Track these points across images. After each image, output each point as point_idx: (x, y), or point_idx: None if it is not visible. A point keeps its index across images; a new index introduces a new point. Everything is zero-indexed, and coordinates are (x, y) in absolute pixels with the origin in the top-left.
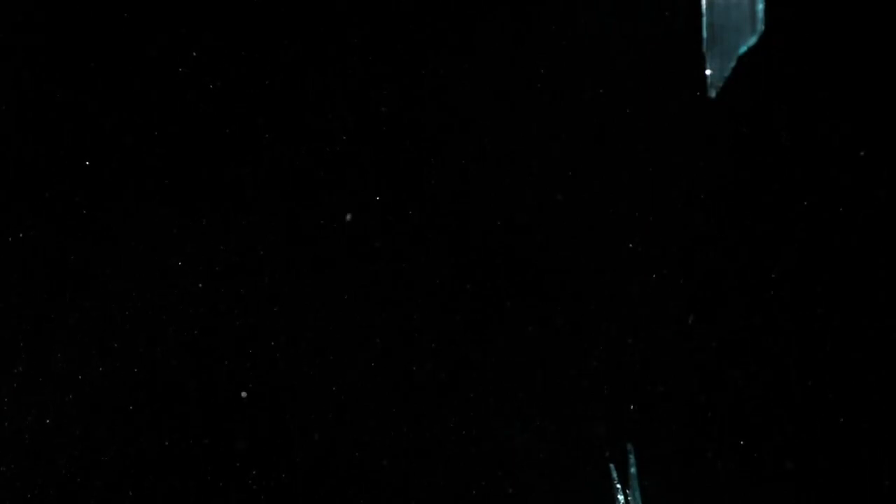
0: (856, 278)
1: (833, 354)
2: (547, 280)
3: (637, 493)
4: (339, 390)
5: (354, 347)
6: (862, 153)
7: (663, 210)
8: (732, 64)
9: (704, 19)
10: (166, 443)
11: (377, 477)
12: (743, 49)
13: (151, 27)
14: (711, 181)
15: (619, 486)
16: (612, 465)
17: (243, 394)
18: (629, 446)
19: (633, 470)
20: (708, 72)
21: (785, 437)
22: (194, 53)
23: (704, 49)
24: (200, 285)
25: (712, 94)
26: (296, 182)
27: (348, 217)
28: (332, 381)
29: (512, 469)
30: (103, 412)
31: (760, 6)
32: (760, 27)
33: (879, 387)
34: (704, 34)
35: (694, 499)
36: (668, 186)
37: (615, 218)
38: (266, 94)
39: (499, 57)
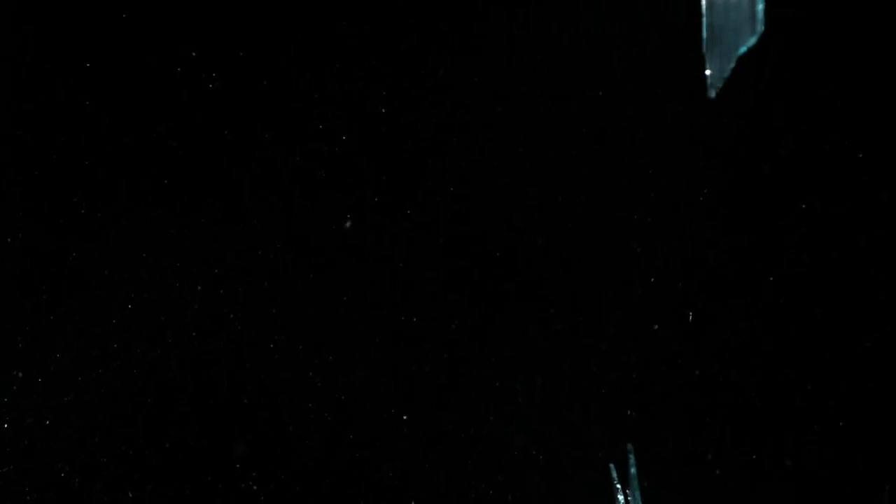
0: (856, 279)
1: (833, 355)
2: (547, 281)
3: (637, 493)
4: (339, 390)
5: (354, 348)
6: (862, 154)
7: (663, 210)
8: (732, 64)
9: (704, 19)
10: (166, 443)
11: (377, 477)
12: (743, 49)
13: (149, 27)
14: (711, 181)
15: (619, 486)
16: (612, 465)
17: (244, 400)
18: (629, 446)
19: (633, 470)
20: (708, 72)
21: (785, 437)
22: (193, 53)
23: (704, 49)
24: (199, 286)
25: (712, 94)
26: (295, 182)
27: (347, 223)
28: (331, 382)
29: (512, 469)
30: (102, 413)
31: (760, 6)
32: (760, 27)
33: (879, 387)
34: (704, 34)
35: (694, 499)
36: (668, 187)
37: (615, 218)
38: (265, 94)
39: (499, 57)
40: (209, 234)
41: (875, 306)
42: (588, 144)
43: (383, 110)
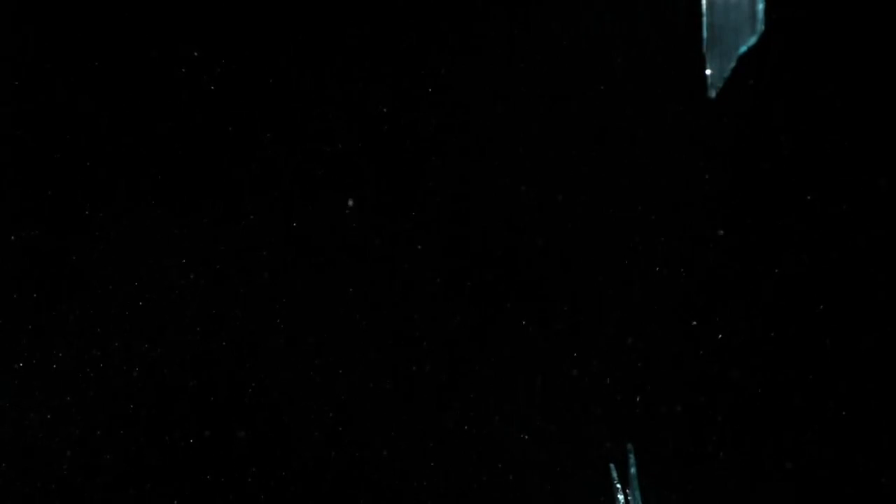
0: (856, 278)
1: (833, 354)
2: (547, 280)
3: (637, 493)
4: (340, 390)
5: (354, 347)
6: (862, 153)
7: (663, 210)
8: (732, 64)
9: (704, 19)
10: (167, 441)
11: (377, 477)
12: (743, 49)
13: (150, 27)
14: (711, 181)
15: (619, 486)
16: (612, 465)
17: (245, 400)
18: (629, 446)
19: (633, 470)
20: (708, 72)
21: (785, 437)
22: (194, 53)
23: (704, 49)
24: (200, 285)
25: (712, 94)
26: (296, 182)
27: (350, 202)
28: (332, 381)
29: (512, 469)
30: (103, 412)
31: (760, 6)
32: (760, 27)
33: (879, 387)
34: (704, 34)
35: (694, 499)
36: (668, 186)
37: (615, 218)
38: (265, 93)
39: (499, 57)
40: (209, 233)
41: (875, 306)
42: (588, 144)
43: (383, 110)
